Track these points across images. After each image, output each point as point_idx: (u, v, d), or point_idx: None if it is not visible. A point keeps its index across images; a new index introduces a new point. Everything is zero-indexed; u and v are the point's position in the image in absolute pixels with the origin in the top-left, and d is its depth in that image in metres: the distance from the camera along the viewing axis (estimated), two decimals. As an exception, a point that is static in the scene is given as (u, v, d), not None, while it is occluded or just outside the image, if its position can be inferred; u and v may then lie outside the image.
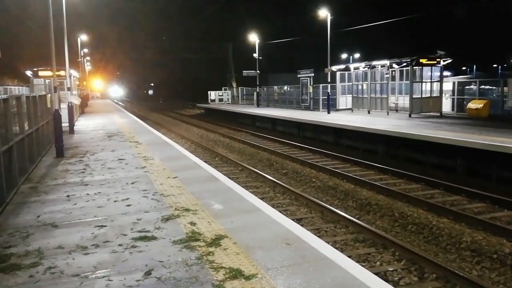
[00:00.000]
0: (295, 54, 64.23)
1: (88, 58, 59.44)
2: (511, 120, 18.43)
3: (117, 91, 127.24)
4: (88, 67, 61.90)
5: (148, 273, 4.40)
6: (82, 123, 22.82)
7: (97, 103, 53.82)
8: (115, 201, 7.15)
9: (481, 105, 20.06)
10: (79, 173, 9.60)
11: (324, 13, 28.21)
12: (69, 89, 20.67)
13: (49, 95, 15.32)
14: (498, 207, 9.70)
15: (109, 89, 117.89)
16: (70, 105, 18.45)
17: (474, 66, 73.41)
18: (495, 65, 78.04)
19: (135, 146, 13.62)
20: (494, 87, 24.10)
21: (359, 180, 12.24)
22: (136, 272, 4.45)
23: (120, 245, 5.20)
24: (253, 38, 38.80)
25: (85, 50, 51.40)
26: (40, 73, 22.24)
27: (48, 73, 19.59)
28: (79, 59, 41.06)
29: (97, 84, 78.76)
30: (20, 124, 9.32)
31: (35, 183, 8.72)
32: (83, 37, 41.23)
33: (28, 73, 23.85)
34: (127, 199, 7.26)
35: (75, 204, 7.07)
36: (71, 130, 17.90)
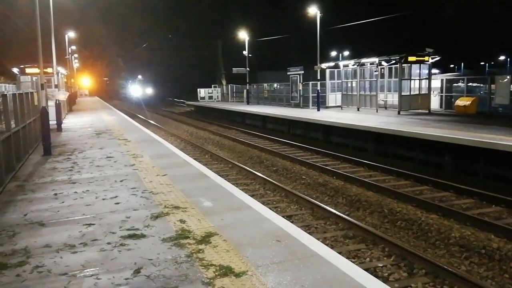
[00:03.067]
0: (285, 52, 64.20)
1: (76, 55, 58.74)
2: (498, 117, 18.64)
3: (138, 89, 62.27)
4: (76, 64, 61.17)
5: (137, 271, 4.36)
6: (70, 121, 22.57)
7: (85, 100, 53.33)
8: (103, 199, 7.07)
9: (469, 102, 20.25)
10: (67, 171, 9.49)
11: (313, 11, 28.20)
12: (56, 86, 20.46)
13: (36, 92, 15.13)
14: (486, 203, 9.80)
15: (129, 87, 64.33)
16: (57, 102, 18.24)
17: (462, 63, 74.20)
18: (482, 63, 78.97)
19: (124, 144, 13.50)
20: (482, 85, 24.28)
21: (349, 177, 12.29)
22: (125, 270, 4.41)
23: (108, 243, 5.15)
24: (243, 35, 38.67)
25: (73, 47, 50.77)
26: (27, 70, 22.02)
27: (35, 70, 19.39)
28: (67, 56, 40.54)
29: (86, 81, 78.02)
30: (6, 122, 9.18)
31: (22, 182, 8.60)
32: (71, 34, 40.68)
33: (15, 70, 23.58)
34: (116, 197, 7.19)
35: (63, 202, 6.98)
36: (59, 127, 17.71)
